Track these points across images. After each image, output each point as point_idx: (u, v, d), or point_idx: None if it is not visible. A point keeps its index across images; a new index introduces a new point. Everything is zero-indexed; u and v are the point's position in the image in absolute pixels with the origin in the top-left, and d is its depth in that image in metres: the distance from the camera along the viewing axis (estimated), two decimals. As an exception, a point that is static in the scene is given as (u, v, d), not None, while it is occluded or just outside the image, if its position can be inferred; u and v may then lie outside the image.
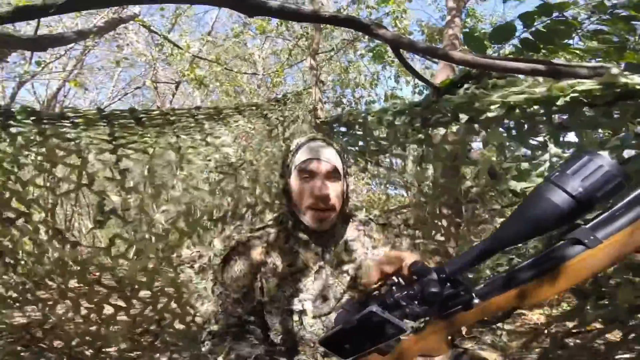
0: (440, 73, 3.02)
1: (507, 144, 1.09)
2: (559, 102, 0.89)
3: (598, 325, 1.06)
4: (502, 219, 1.14)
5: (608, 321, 0.97)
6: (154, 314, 1.45)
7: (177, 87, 6.46)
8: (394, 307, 0.57)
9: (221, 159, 1.85)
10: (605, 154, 0.43)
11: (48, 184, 1.31)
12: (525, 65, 0.98)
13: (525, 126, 1.03)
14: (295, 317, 1.01)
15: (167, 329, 1.52)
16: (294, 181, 1.06)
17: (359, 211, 1.20)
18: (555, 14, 1.22)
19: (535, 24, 1.23)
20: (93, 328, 1.31)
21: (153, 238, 1.42)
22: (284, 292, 1.03)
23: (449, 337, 0.63)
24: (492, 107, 1.00)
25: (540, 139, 1.01)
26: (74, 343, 1.33)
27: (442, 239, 1.39)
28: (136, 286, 1.40)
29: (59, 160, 1.33)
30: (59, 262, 1.22)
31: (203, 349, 1.00)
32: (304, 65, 7.64)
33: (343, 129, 1.87)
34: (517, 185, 1.01)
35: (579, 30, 1.32)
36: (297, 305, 1.01)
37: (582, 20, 1.34)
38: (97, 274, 1.37)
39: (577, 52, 1.33)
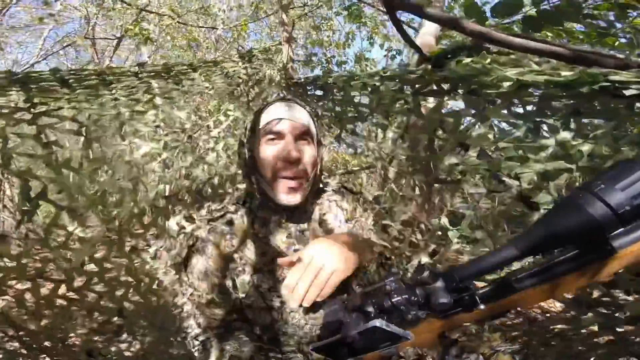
0: (422, 38, 2.77)
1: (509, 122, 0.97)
2: (584, 89, 0.78)
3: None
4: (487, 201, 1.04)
5: (603, 326, 0.92)
6: (112, 305, 1.28)
7: (118, 44, 5.82)
8: (392, 311, 0.54)
9: (173, 125, 1.61)
10: None
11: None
12: (546, 47, 0.87)
13: (534, 107, 0.90)
14: (275, 314, 0.89)
15: (132, 318, 1.36)
16: (260, 147, 0.94)
17: (330, 178, 1.09)
18: None
19: (543, 2, 1.16)
20: (44, 322, 1.13)
21: (97, 222, 1.21)
22: (258, 288, 0.90)
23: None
24: (505, 83, 0.87)
25: (549, 121, 0.90)
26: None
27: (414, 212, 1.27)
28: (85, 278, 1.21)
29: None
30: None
31: (196, 355, 0.89)
32: (271, 21, 7.13)
33: (319, 92, 1.71)
34: (511, 168, 0.91)
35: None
36: (275, 301, 0.89)
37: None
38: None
39: (560, 32, 1.26)
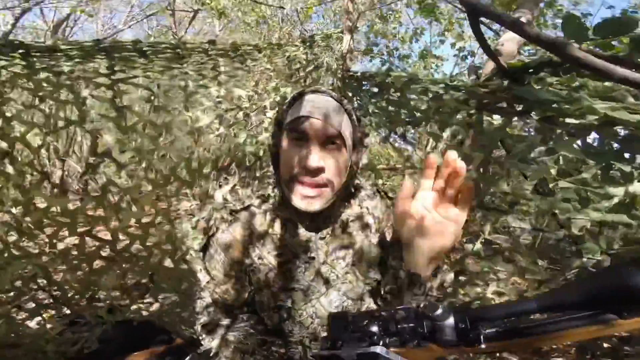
0: (502, 47, 2.57)
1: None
2: None
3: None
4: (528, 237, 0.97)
5: None
6: (146, 269, 1.39)
7: (194, 16, 6.07)
8: (395, 334, 0.55)
9: (233, 102, 1.68)
10: None
11: (35, 121, 1.17)
12: None
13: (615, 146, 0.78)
14: (284, 313, 0.89)
15: (159, 283, 1.46)
16: (283, 145, 0.87)
17: (364, 182, 1.01)
18: None
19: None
20: (83, 277, 1.24)
21: (150, 186, 1.30)
22: (271, 287, 0.89)
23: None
24: (589, 116, 0.77)
25: (627, 168, 0.77)
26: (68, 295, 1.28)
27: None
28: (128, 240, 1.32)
29: (48, 94, 1.18)
30: (47, 212, 1.12)
31: (203, 343, 0.91)
32: (336, 5, 7.06)
33: (375, 89, 1.64)
34: (565, 210, 0.82)
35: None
36: (286, 302, 0.89)
37: None
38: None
39: None
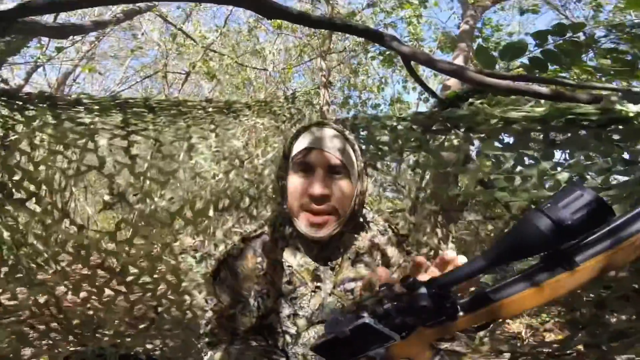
0: (451, 81, 3.03)
1: (499, 154, 1.10)
2: (553, 122, 0.92)
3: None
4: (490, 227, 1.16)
5: (589, 346, 0.99)
6: (152, 301, 1.48)
7: (186, 78, 6.50)
8: (384, 317, 0.60)
9: (229, 151, 1.88)
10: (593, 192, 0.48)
11: (59, 165, 1.33)
12: (529, 89, 1.02)
13: (519, 140, 1.05)
14: (288, 338, 0.91)
15: (164, 315, 1.54)
16: (289, 177, 0.88)
17: (377, 217, 1.01)
18: (568, 35, 1.21)
19: (546, 43, 1.22)
20: (91, 311, 1.33)
21: (158, 224, 1.44)
22: (278, 313, 0.90)
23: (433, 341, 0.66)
24: (492, 120, 1.02)
25: (532, 153, 1.03)
26: (74, 322, 1.36)
27: (435, 242, 1.40)
28: (137, 272, 1.43)
29: (72, 142, 1.36)
30: (64, 245, 1.25)
31: (205, 357, 0.92)
32: (313, 64, 7.66)
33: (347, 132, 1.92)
34: (502, 197, 1.02)
35: (594, 47, 1.33)
36: (291, 328, 0.90)
37: (599, 37, 1.34)
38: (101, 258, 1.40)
39: (589, 69, 1.34)
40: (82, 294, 1.33)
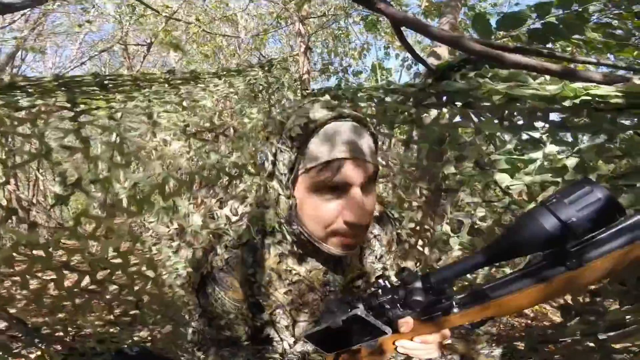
0: (436, 49, 2.82)
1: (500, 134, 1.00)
2: (566, 103, 0.81)
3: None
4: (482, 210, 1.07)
5: (585, 334, 0.93)
6: (131, 297, 1.34)
7: (149, 49, 6.06)
8: (378, 309, 0.59)
9: (200, 124, 1.69)
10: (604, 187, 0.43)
11: (-2, 156, 1.14)
12: (539, 64, 0.88)
13: (523, 120, 0.95)
14: (286, 345, 0.83)
15: (146, 310, 1.42)
16: (307, 198, 0.69)
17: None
18: (574, 7, 1.13)
19: (548, 15, 1.14)
20: (63, 315, 1.18)
21: (125, 214, 1.27)
22: (275, 325, 0.82)
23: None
24: (495, 97, 0.90)
25: (536, 135, 0.93)
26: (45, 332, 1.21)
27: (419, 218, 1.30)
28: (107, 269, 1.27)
29: (9, 129, 1.16)
30: (16, 247, 1.07)
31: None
32: (290, 30, 7.29)
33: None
34: (503, 180, 0.93)
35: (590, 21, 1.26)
36: (289, 339, 0.83)
37: (593, 12, 1.27)
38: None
39: (579, 43, 1.27)
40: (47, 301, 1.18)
